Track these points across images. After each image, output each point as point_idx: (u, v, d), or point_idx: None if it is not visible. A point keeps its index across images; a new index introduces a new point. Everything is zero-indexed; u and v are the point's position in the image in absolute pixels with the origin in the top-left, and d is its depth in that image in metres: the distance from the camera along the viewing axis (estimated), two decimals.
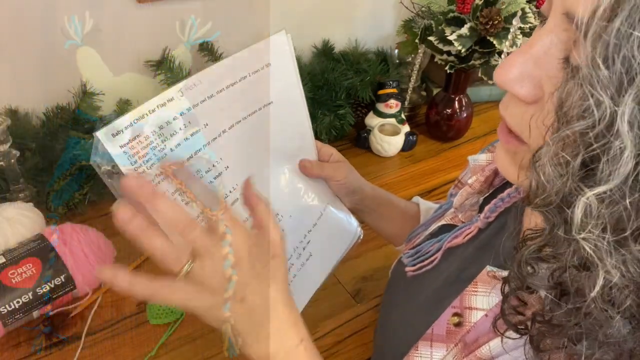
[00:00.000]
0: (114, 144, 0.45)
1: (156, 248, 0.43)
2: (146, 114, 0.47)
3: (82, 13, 0.92)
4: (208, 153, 0.53)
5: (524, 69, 0.34)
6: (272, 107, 0.59)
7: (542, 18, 0.36)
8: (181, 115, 0.50)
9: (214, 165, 0.54)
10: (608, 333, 0.31)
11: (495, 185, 0.56)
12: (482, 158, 0.57)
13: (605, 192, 0.28)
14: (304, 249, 0.64)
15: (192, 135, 0.51)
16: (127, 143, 0.46)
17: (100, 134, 0.44)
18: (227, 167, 0.55)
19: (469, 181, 0.56)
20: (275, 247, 0.48)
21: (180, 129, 0.50)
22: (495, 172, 0.55)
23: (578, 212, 0.29)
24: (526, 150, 0.37)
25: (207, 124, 0.52)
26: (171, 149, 0.50)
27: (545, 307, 0.35)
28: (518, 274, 0.36)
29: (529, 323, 0.38)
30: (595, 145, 0.28)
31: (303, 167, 0.66)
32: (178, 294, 0.43)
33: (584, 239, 0.30)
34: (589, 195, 0.29)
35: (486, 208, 0.51)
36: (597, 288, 0.30)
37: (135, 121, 0.46)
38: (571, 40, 0.32)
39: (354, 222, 0.73)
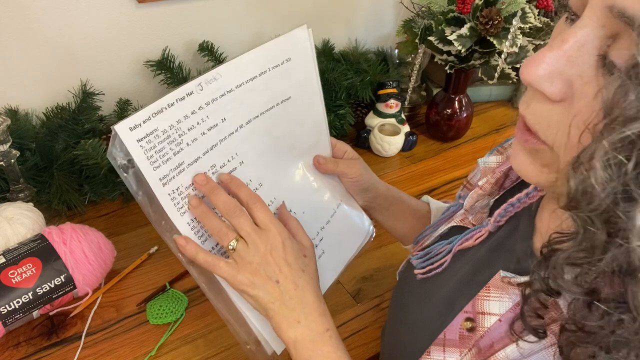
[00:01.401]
0: (131, 137, 0.45)
1: (213, 226, 0.52)
2: (165, 108, 0.47)
3: (82, 13, 0.92)
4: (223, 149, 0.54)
5: (555, 66, 0.33)
6: (290, 102, 0.59)
7: (571, 14, 0.34)
8: (200, 109, 0.50)
9: (228, 161, 0.55)
10: None
11: (506, 187, 0.55)
12: (492, 160, 0.56)
13: None
14: (316, 246, 0.64)
15: (209, 129, 0.51)
16: (145, 137, 0.46)
17: (118, 128, 0.45)
18: (242, 162, 0.56)
19: (479, 183, 0.55)
20: (305, 249, 0.56)
21: (198, 123, 0.50)
22: (506, 174, 0.54)
23: (639, 219, 0.28)
24: (547, 150, 0.36)
25: (224, 119, 0.53)
26: (187, 144, 0.50)
27: (575, 314, 0.34)
28: (545, 277, 0.35)
29: (552, 327, 0.38)
30: None
31: (317, 162, 0.66)
32: (225, 267, 0.51)
33: (638, 246, 0.28)
34: None
35: (496, 213, 0.50)
36: None
37: (154, 115, 0.47)
38: (608, 37, 0.31)
39: (366, 220, 0.72)
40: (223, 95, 0.51)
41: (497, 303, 0.44)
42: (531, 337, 0.39)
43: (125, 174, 0.47)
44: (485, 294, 0.45)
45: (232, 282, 0.52)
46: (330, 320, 0.53)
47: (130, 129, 0.45)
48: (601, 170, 0.29)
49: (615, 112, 0.28)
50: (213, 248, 0.55)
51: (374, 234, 0.73)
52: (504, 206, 0.50)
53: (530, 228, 0.47)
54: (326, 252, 0.65)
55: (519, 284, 0.42)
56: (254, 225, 0.52)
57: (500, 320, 0.43)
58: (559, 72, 0.33)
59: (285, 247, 0.52)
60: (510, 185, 0.55)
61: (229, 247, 0.51)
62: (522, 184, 0.54)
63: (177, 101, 0.48)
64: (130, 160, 0.46)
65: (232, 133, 0.54)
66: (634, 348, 0.31)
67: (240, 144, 0.55)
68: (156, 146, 0.47)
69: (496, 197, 0.55)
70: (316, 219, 0.65)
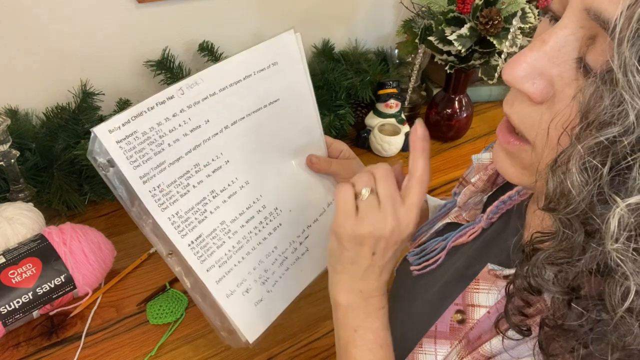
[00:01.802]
0: (111, 139, 0.48)
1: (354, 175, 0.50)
2: (145, 111, 0.49)
3: (82, 13, 0.92)
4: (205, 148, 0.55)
5: (536, 66, 0.33)
6: (278, 104, 0.60)
7: (552, 15, 0.35)
8: (181, 112, 0.52)
9: (212, 160, 0.56)
10: (623, 338, 0.31)
11: (499, 184, 0.56)
12: (485, 157, 0.57)
13: (638, 203, 0.28)
14: (300, 243, 0.65)
15: (191, 130, 0.53)
16: (124, 139, 0.48)
17: (97, 130, 0.47)
18: (228, 161, 0.57)
19: (472, 180, 0.56)
20: (405, 241, 0.52)
21: (180, 125, 0.52)
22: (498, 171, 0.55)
23: (613, 223, 0.28)
24: (529, 150, 0.36)
25: (208, 120, 0.54)
26: (169, 144, 0.52)
27: (555, 311, 0.34)
28: (526, 275, 0.35)
29: (531, 324, 0.38)
30: (628, 153, 0.27)
31: (310, 162, 0.66)
32: (347, 202, 0.48)
33: (614, 248, 0.29)
34: (622, 206, 0.28)
35: (488, 210, 0.51)
36: (618, 294, 0.29)
37: (133, 118, 0.49)
38: (586, 38, 0.31)
39: None
40: (205, 98, 0.53)
41: (485, 295, 0.45)
42: (515, 334, 0.39)
43: (104, 172, 0.50)
44: (475, 287, 0.46)
45: (337, 220, 0.48)
46: (386, 301, 0.51)
47: (110, 131, 0.47)
48: (577, 174, 0.29)
49: (591, 117, 0.29)
50: (197, 239, 0.55)
51: None
52: (495, 203, 0.51)
53: (520, 223, 0.48)
54: (310, 250, 0.66)
55: (504, 277, 0.43)
56: (398, 196, 0.49)
57: (489, 312, 0.44)
58: (540, 72, 0.33)
59: (401, 232, 0.48)
60: (502, 182, 0.55)
61: (362, 192, 0.48)
62: None
63: (157, 105, 0.50)
64: (110, 160, 0.49)
65: (217, 134, 0.55)
66: (612, 344, 0.31)
67: (226, 143, 0.56)
68: (136, 147, 0.49)
69: (489, 194, 0.55)
70: (303, 218, 0.66)
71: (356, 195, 0.48)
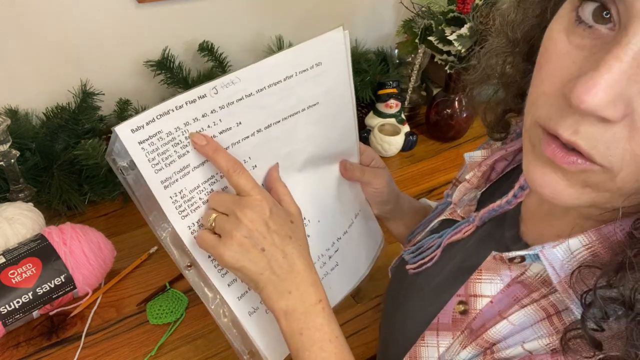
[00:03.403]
0: (133, 139, 0.44)
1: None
2: (172, 110, 0.45)
3: (82, 13, 0.92)
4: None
5: (617, 89, 0.30)
6: (317, 107, 0.55)
7: (608, 23, 0.31)
8: (212, 112, 0.48)
9: None
10: None
11: (492, 180, 0.56)
12: (477, 154, 0.57)
13: None
14: (329, 257, 0.61)
15: (220, 133, 0.49)
16: (147, 139, 0.44)
17: (118, 129, 0.43)
18: (255, 166, 0.53)
19: (467, 177, 0.56)
20: (293, 216, 0.52)
21: (209, 126, 0.48)
22: (492, 167, 0.55)
23: None
24: (598, 171, 0.33)
25: (240, 123, 0.50)
26: (195, 148, 0.48)
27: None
28: (633, 288, 0.33)
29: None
30: None
31: (344, 168, 0.63)
32: (208, 239, 0.49)
33: None
34: None
35: (482, 212, 0.51)
36: None
37: (159, 116, 0.45)
38: None
39: (379, 231, 0.71)
40: (241, 99, 0.48)
41: (488, 285, 0.45)
42: (520, 320, 0.40)
43: (124, 176, 0.46)
44: (477, 277, 0.46)
45: (215, 254, 0.49)
46: (322, 291, 0.50)
47: (132, 130, 0.43)
48: None
49: None
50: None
51: (383, 245, 0.73)
52: (488, 210, 0.51)
53: (516, 216, 0.49)
54: (340, 265, 0.62)
55: (510, 259, 0.43)
56: (238, 194, 0.49)
57: (491, 301, 0.44)
58: (620, 93, 0.30)
59: (272, 213, 0.49)
60: (496, 177, 0.56)
61: (209, 220, 0.49)
62: (507, 176, 0.55)
63: (186, 103, 0.45)
64: (131, 162, 0.45)
65: (248, 137, 0.51)
66: None
67: (256, 148, 0.52)
68: (159, 148, 0.45)
69: (483, 190, 0.56)
70: (333, 229, 0.62)
71: (212, 230, 0.49)
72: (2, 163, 0.83)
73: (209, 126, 0.48)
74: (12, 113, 0.92)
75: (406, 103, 1.21)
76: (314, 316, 0.49)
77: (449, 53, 1.02)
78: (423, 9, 1.09)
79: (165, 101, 0.44)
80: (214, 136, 0.49)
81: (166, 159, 0.46)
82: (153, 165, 0.46)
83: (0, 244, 0.75)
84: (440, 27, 1.00)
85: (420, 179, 1.10)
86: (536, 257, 0.40)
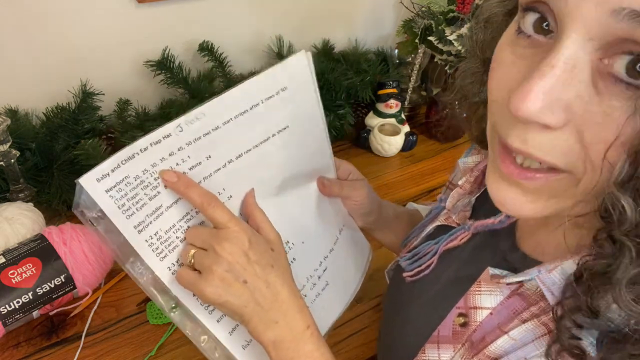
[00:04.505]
0: (99, 189, 0.43)
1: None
2: (137, 153, 0.44)
3: (82, 13, 0.92)
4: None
5: (552, 95, 0.30)
6: (288, 130, 0.54)
7: (548, 34, 0.32)
8: (179, 150, 0.46)
9: None
10: None
11: (485, 184, 0.56)
12: (470, 160, 0.57)
13: None
14: (319, 277, 0.60)
15: (190, 169, 0.48)
16: (114, 186, 0.43)
17: (83, 181, 0.42)
18: (231, 196, 0.52)
19: (459, 183, 0.56)
20: (273, 243, 0.51)
21: (177, 164, 0.47)
22: (483, 172, 0.54)
23: None
24: (563, 178, 0.33)
25: (210, 156, 0.49)
26: (165, 186, 0.47)
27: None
28: (585, 299, 0.34)
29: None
30: None
31: (321, 185, 0.62)
32: (187, 277, 0.47)
33: None
34: None
35: (477, 224, 0.51)
36: None
37: (124, 162, 0.44)
38: (597, 49, 0.29)
39: (366, 243, 0.70)
40: (208, 133, 0.48)
41: (488, 297, 0.45)
42: (520, 335, 0.39)
43: (95, 226, 0.44)
44: (477, 289, 0.46)
45: (196, 291, 0.48)
46: (309, 316, 0.49)
47: (98, 180, 0.42)
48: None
49: None
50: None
51: (372, 257, 0.72)
52: (483, 224, 0.50)
53: (512, 225, 0.48)
54: (330, 284, 0.61)
55: (508, 284, 0.43)
56: (215, 227, 0.48)
57: (491, 313, 0.44)
58: (557, 98, 0.30)
59: (251, 243, 0.48)
60: None
61: (188, 257, 0.48)
62: None
63: (151, 145, 0.44)
64: (100, 212, 0.44)
65: (219, 169, 0.50)
66: None
67: (229, 178, 0.51)
68: (128, 193, 0.44)
69: (477, 195, 0.55)
70: (318, 249, 0.61)
71: (192, 266, 0.48)
72: (2, 163, 0.83)
73: (177, 164, 0.47)
74: (12, 113, 0.92)
75: (406, 103, 1.21)
76: (303, 343, 0.48)
77: (449, 53, 1.03)
78: (423, 9, 1.09)
79: (127, 146, 0.43)
80: (185, 172, 0.48)
81: (137, 202, 0.45)
82: (124, 212, 0.44)
83: (0, 244, 0.75)
84: (440, 27, 1.00)
85: (420, 179, 1.10)
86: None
